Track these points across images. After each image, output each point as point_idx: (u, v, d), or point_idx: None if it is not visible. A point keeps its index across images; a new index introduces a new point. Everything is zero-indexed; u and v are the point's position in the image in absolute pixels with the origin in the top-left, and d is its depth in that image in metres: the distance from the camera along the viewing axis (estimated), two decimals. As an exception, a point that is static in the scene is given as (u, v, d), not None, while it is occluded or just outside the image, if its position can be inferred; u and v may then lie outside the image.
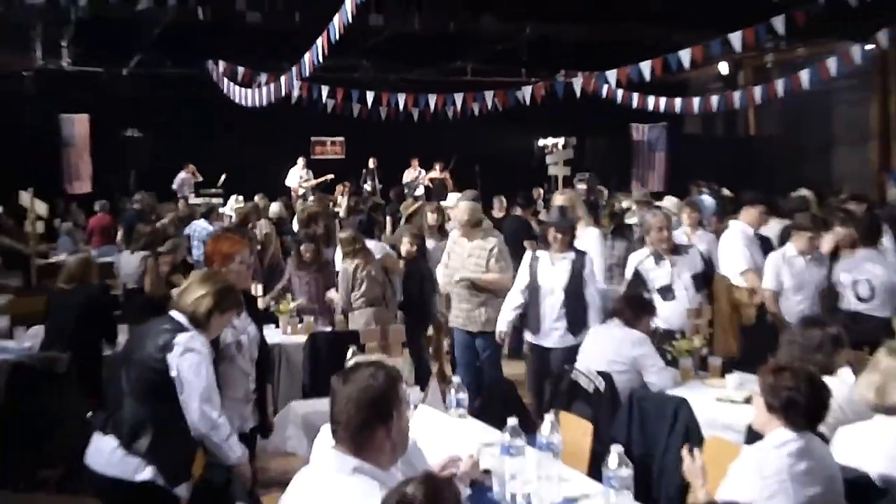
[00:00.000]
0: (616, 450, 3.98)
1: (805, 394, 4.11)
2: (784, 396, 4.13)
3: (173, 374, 4.70)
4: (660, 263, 8.22)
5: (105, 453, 4.73)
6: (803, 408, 4.10)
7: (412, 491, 2.91)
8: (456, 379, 5.86)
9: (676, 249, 8.30)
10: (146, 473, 4.65)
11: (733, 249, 9.16)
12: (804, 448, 4.08)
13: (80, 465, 7.33)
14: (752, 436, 4.54)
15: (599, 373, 6.60)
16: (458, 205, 9.22)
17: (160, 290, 10.53)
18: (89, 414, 7.60)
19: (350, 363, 4.60)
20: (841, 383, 5.21)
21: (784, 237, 10.85)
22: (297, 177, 22.85)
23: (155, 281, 10.42)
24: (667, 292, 8.12)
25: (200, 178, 22.42)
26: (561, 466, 4.59)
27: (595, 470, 4.64)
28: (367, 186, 22.69)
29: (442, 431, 5.20)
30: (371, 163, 23.34)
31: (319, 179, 22.81)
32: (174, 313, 4.91)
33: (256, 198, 16.68)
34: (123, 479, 4.66)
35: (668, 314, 7.99)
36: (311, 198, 20.38)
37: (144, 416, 4.70)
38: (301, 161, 23.04)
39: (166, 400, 4.71)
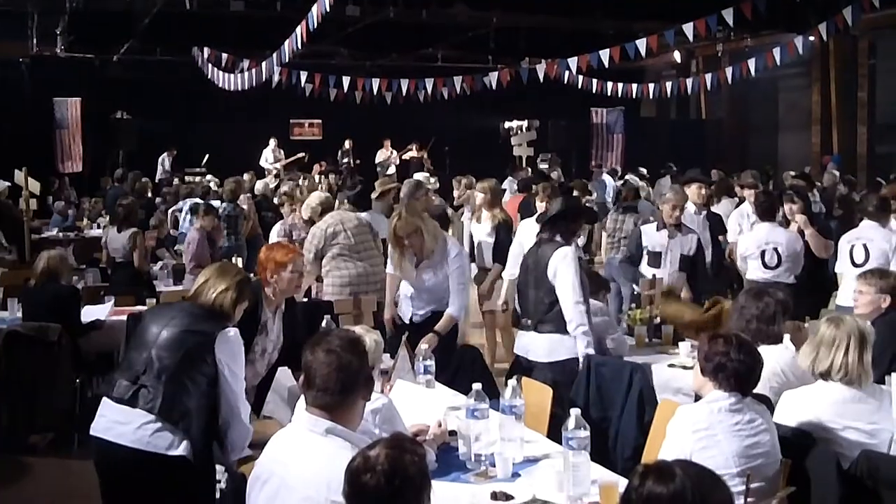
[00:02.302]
0: (574, 413, 3.94)
1: (735, 359, 4.09)
2: (715, 361, 4.12)
3: (221, 367, 4.54)
4: (660, 231, 8.36)
5: (132, 426, 4.49)
6: (732, 372, 4.08)
7: (376, 453, 2.85)
8: (423, 346, 5.80)
9: (679, 227, 8.36)
10: (181, 449, 4.45)
11: None
12: (734, 404, 4.06)
13: (77, 434, 7.33)
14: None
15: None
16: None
17: (146, 265, 10.51)
18: (77, 381, 7.59)
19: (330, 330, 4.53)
20: (785, 349, 5.21)
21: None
22: (270, 156, 22.69)
23: (143, 256, 10.36)
24: (655, 259, 8.26)
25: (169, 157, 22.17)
26: (523, 429, 4.55)
27: (555, 432, 4.60)
28: (343, 164, 22.61)
29: (411, 397, 5.15)
30: (347, 143, 23.28)
31: (291, 158, 22.62)
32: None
33: (246, 175, 16.71)
34: (155, 453, 4.46)
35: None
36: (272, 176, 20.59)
37: (186, 400, 4.49)
38: (273, 142, 22.85)
39: (207, 387, 4.53)
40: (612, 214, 11.31)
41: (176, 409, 4.47)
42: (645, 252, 8.41)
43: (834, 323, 4.60)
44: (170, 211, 14.52)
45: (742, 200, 11.97)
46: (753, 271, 8.66)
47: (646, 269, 8.26)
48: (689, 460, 2.63)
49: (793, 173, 16.99)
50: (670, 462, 2.68)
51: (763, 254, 8.62)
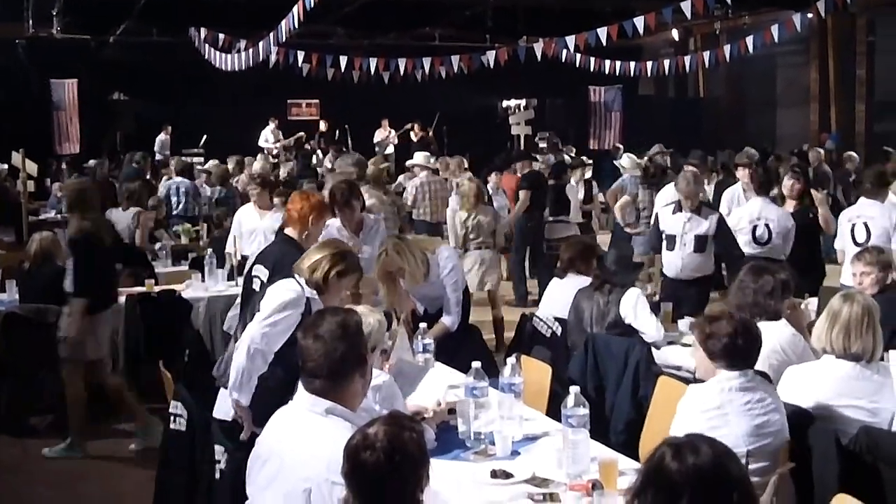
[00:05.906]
0: (574, 390, 3.93)
1: (730, 333, 4.09)
2: (712, 341, 4.12)
3: None
4: (675, 214, 8.23)
5: (222, 399, 4.73)
6: (731, 346, 4.09)
7: (374, 431, 2.85)
8: (422, 325, 5.78)
9: (699, 210, 8.19)
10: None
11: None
12: (745, 383, 4.07)
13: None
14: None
15: (557, 319, 6.57)
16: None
17: (147, 244, 10.46)
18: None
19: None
20: (785, 326, 5.19)
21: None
22: (270, 137, 22.64)
23: (144, 236, 10.31)
24: (670, 242, 8.16)
25: (166, 137, 22.15)
26: (522, 407, 4.57)
27: (554, 409, 4.60)
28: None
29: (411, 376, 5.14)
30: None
31: (291, 139, 22.60)
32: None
33: (248, 158, 16.75)
34: (224, 420, 4.66)
35: (666, 261, 8.21)
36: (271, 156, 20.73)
37: None
38: (272, 123, 22.83)
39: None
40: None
41: None
42: (663, 235, 8.27)
43: (849, 299, 4.58)
44: (159, 192, 14.45)
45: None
46: (742, 246, 8.47)
47: (664, 252, 8.20)
48: (707, 436, 2.59)
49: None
50: (693, 437, 2.61)
51: (754, 229, 8.56)
